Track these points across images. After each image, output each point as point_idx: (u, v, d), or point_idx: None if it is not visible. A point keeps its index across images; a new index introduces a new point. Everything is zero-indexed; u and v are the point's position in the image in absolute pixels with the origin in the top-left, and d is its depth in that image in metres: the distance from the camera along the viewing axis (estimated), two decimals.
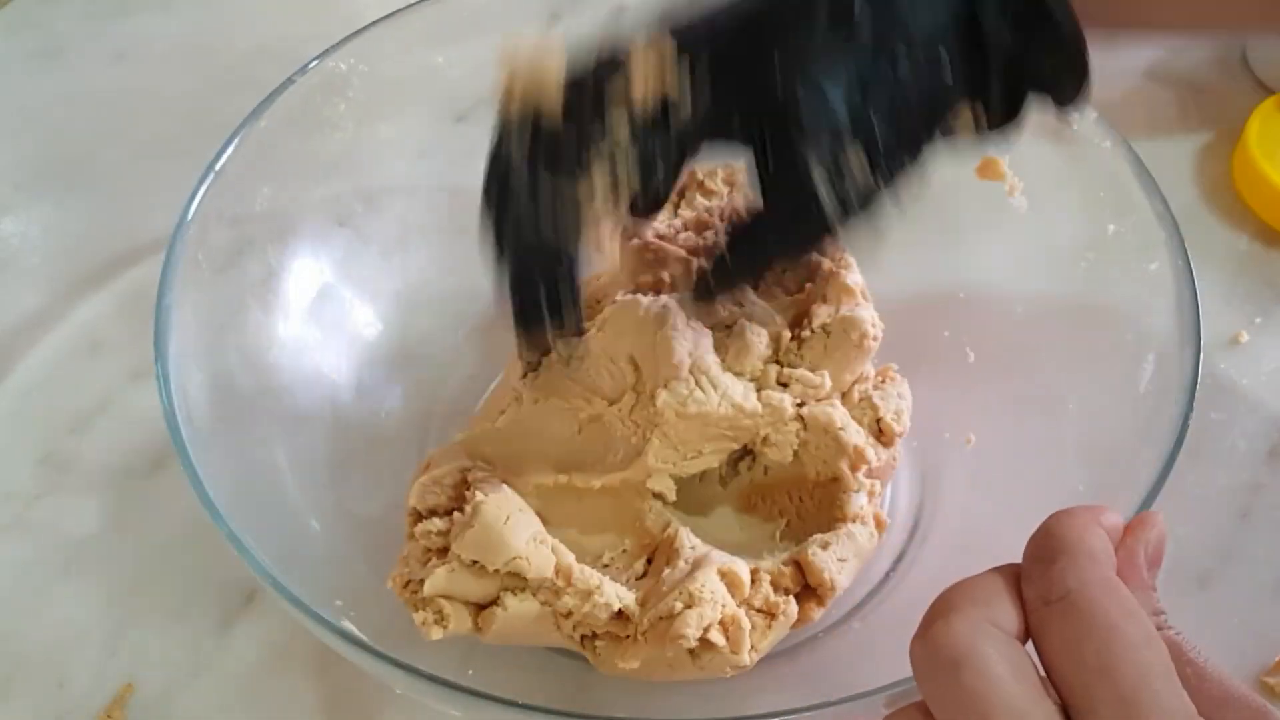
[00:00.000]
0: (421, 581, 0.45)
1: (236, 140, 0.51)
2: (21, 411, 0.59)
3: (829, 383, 0.49)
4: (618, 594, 0.45)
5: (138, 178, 0.68)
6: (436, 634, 0.45)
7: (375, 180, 0.59)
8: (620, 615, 0.45)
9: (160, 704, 0.49)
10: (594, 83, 0.39)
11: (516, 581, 0.45)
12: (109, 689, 0.50)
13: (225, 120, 0.52)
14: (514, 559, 0.44)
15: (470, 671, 0.43)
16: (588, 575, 0.44)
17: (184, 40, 0.76)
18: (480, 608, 0.46)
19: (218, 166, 0.50)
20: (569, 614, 0.45)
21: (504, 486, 0.48)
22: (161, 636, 0.51)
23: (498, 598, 0.45)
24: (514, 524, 0.45)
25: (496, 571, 0.44)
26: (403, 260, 0.59)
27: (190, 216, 0.49)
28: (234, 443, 0.48)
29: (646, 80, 0.40)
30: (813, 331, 0.50)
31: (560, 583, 0.44)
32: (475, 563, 0.44)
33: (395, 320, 0.58)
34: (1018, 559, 0.47)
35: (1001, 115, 0.40)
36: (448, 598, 0.45)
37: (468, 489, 0.47)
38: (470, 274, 0.59)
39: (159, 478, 0.56)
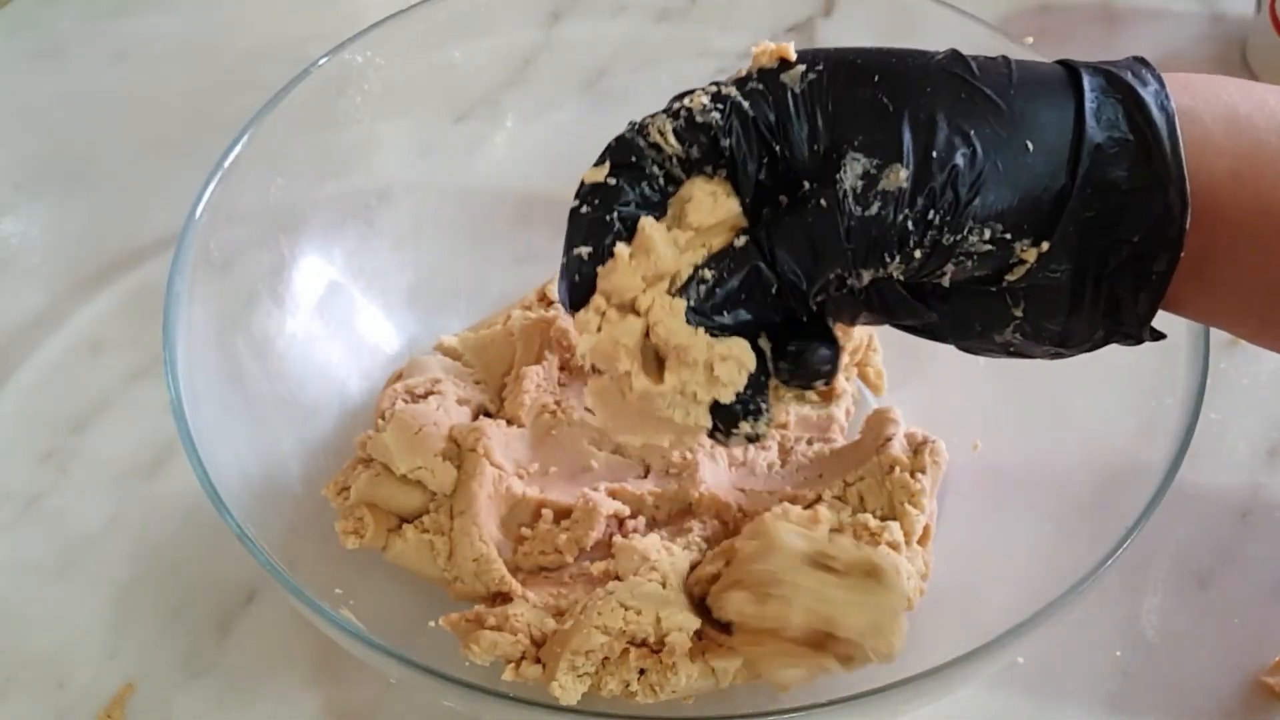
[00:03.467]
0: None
1: (248, 135, 0.51)
2: (22, 411, 0.59)
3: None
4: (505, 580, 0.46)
5: (138, 178, 0.68)
6: (353, 543, 0.47)
7: (387, 176, 0.60)
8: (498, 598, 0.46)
9: (160, 704, 0.49)
10: None
11: (424, 496, 0.48)
12: (109, 689, 0.50)
13: (226, 120, 0.52)
14: (418, 468, 0.47)
15: (467, 663, 0.44)
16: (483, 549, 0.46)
17: (184, 40, 0.76)
18: (403, 522, 0.48)
19: (229, 160, 0.50)
20: (453, 580, 0.46)
21: (452, 402, 0.50)
22: (161, 636, 0.51)
23: (415, 520, 0.48)
24: (425, 435, 0.47)
25: (405, 478, 0.47)
26: (414, 254, 0.59)
27: (202, 207, 0.49)
28: (240, 432, 0.49)
29: None
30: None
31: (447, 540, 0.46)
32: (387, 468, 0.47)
33: (404, 313, 0.58)
34: (1023, 563, 0.48)
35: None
36: (373, 506, 0.47)
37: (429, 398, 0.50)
38: (478, 268, 0.59)
39: (160, 477, 0.56)
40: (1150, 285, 0.34)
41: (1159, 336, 0.36)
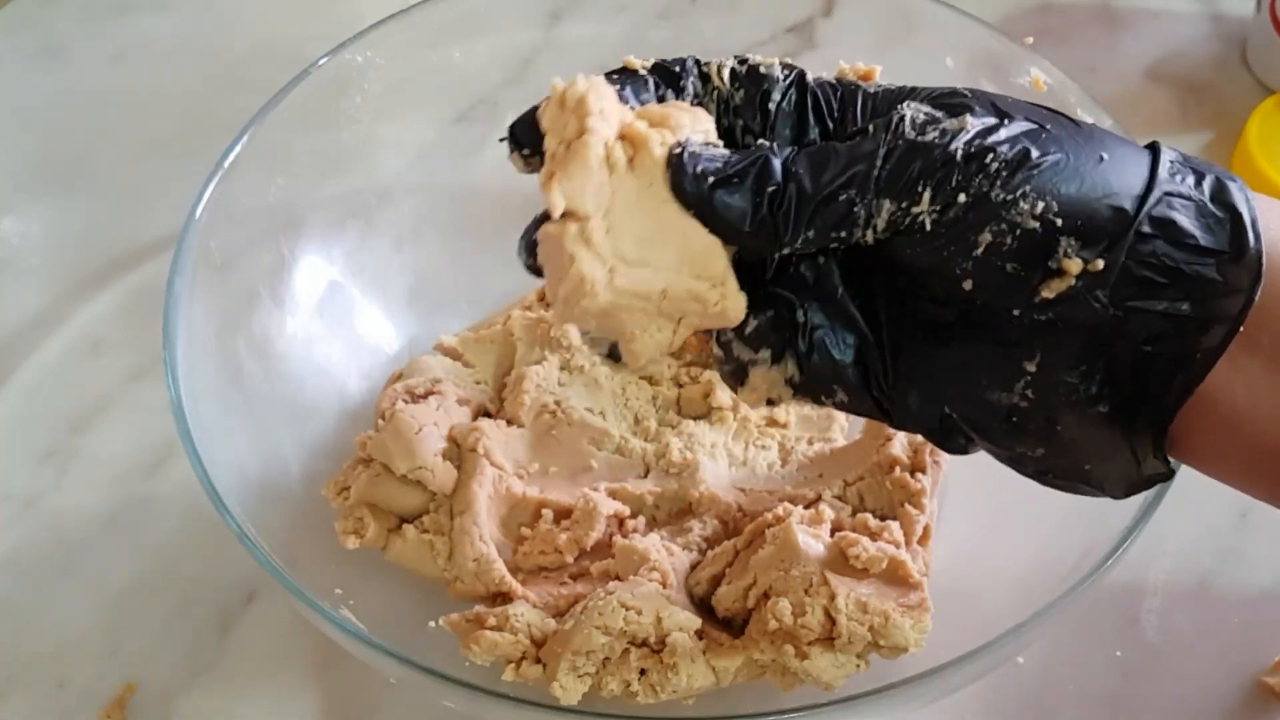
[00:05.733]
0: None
1: (248, 135, 0.51)
2: (22, 411, 0.59)
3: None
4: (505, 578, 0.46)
5: (138, 178, 0.68)
6: (352, 543, 0.47)
7: (387, 176, 0.60)
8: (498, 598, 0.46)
9: (160, 704, 0.49)
10: None
11: (424, 496, 0.48)
12: (109, 689, 0.50)
13: (225, 120, 0.52)
14: (418, 468, 0.47)
15: (467, 663, 0.44)
16: (483, 549, 0.46)
17: (184, 40, 0.76)
18: (403, 522, 0.48)
19: (229, 160, 0.50)
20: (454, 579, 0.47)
21: (452, 402, 0.50)
22: (161, 636, 0.51)
23: (415, 520, 0.48)
24: (425, 435, 0.48)
25: (405, 478, 0.47)
26: (414, 254, 0.59)
27: (202, 207, 0.49)
28: (240, 432, 0.49)
29: None
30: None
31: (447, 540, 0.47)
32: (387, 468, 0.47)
33: (404, 313, 0.58)
34: (1021, 564, 0.48)
35: None
36: (373, 506, 0.47)
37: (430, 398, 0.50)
38: (477, 269, 0.59)
39: (160, 477, 0.56)
40: (1193, 364, 0.30)
41: (1166, 470, 0.33)
